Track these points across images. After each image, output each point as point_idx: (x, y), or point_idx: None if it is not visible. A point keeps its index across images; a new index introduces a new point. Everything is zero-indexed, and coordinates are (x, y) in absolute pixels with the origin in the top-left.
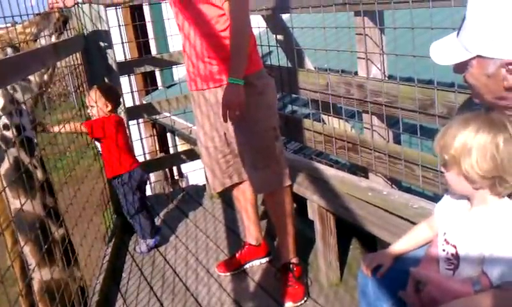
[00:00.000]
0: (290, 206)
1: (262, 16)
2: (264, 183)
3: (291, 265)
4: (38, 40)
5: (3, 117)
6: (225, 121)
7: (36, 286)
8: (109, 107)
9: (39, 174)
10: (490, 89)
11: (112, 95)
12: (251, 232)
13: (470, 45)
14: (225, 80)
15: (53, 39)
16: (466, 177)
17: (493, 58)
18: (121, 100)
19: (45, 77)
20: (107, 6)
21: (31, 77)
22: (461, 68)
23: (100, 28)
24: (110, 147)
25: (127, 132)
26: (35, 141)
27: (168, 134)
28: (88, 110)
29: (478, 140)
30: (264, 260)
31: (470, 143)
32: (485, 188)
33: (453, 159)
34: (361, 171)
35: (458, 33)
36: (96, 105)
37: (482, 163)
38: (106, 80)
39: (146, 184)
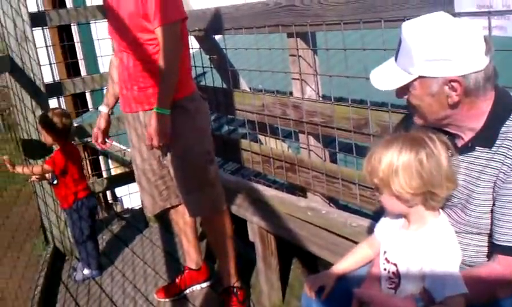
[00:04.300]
0: (229, 229)
1: (195, 37)
2: (198, 207)
3: (235, 289)
4: None
5: None
6: (150, 149)
7: None
8: (49, 140)
9: None
10: (434, 109)
11: (51, 127)
12: (191, 256)
13: (410, 67)
14: None
15: None
16: (398, 197)
17: (435, 77)
18: (70, 125)
19: None
20: None
21: None
22: (402, 91)
23: (26, 48)
24: (63, 177)
25: (79, 158)
26: None
27: (101, 157)
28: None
29: (402, 159)
30: (205, 285)
31: (396, 163)
32: (418, 204)
33: (382, 182)
34: (299, 190)
35: (396, 58)
36: (44, 133)
37: (410, 181)
38: (34, 102)
39: (96, 210)
